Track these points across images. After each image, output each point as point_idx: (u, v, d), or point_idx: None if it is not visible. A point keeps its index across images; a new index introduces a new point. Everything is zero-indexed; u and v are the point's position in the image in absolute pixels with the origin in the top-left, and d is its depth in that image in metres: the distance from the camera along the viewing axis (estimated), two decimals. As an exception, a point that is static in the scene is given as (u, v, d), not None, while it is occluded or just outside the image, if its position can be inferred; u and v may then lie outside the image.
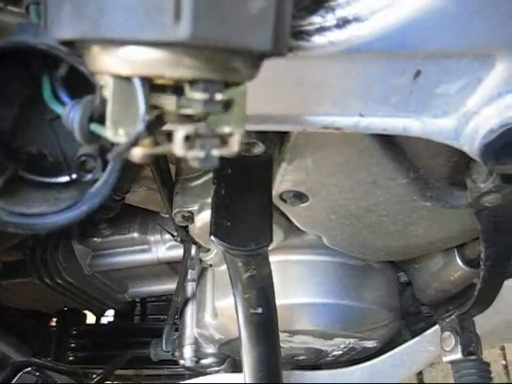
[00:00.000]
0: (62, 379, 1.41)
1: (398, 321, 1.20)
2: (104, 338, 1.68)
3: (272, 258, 0.85)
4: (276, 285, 0.88)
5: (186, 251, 1.15)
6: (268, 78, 0.50)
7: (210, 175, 0.97)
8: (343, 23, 0.51)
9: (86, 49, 0.40)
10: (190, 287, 1.28)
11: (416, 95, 0.59)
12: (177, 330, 1.31)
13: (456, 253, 1.05)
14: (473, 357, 1.03)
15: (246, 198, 0.78)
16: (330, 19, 0.52)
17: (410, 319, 1.27)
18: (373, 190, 0.84)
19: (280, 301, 0.93)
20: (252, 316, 0.87)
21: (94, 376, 1.58)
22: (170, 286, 1.48)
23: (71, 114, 0.44)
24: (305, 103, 0.60)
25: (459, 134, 0.63)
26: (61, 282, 1.36)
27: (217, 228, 0.76)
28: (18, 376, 1.33)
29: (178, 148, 0.38)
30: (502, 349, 2.56)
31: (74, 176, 0.54)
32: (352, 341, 1.18)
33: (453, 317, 1.02)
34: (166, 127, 0.41)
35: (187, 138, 0.38)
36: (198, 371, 1.32)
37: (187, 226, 1.03)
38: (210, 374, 1.29)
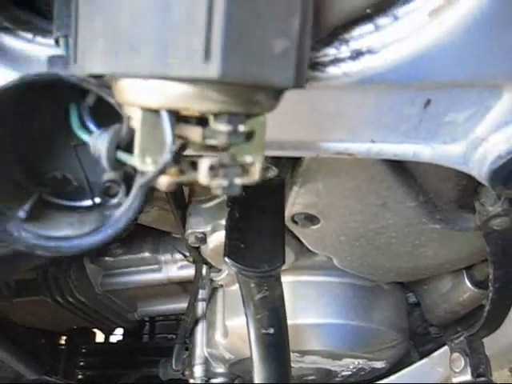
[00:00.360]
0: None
1: (407, 341, 1.21)
2: (113, 356, 1.69)
3: (283, 279, 0.86)
4: (286, 305, 0.89)
5: (198, 271, 1.17)
6: (284, 107, 0.52)
7: (223, 197, 0.99)
8: (357, 55, 0.54)
9: (115, 82, 0.42)
10: (201, 307, 1.29)
11: (426, 123, 0.61)
12: (187, 349, 1.32)
13: (465, 274, 1.06)
14: (482, 378, 1.03)
15: (259, 220, 0.80)
16: (344, 51, 0.54)
17: (418, 340, 1.27)
18: (383, 212, 0.86)
19: (290, 321, 0.94)
20: (263, 336, 0.88)
21: (103, 394, 1.59)
22: (179, 305, 1.49)
23: (98, 141, 0.46)
24: (319, 131, 0.62)
25: (468, 160, 0.65)
26: (72, 301, 1.37)
27: (230, 250, 0.78)
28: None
29: (202, 177, 0.40)
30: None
31: (96, 200, 0.56)
32: (361, 361, 1.19)
33: (462, 338, 1.03)
34: (190, 156, 0.43)
35: (211, 168, 0.40)
36: (207, 391, 1.33)
37: (199, 247, 1.05)
38: (219, 393, 1.30)
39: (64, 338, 1.76)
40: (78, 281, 1.35)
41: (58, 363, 1.65)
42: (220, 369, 1.29)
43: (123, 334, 1.81)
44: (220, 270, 1.15)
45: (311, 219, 0.89)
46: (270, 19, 0.34)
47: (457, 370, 1.05)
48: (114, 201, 0.52)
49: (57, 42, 0.52)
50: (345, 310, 1.10)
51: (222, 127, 0.40)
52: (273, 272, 0.78)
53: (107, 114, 0.50)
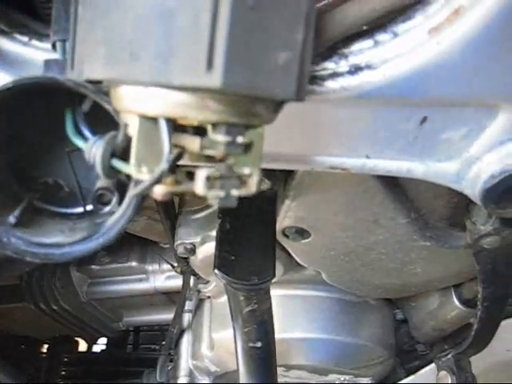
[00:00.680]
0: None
1: (393, 358, 1.20)
2: (96, 366, 1.67)
3: (270, 292, 0.85)
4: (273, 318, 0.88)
5: (185, 282, 1.16)
6: (280, 120, 0.52)
7: (213, 208, 0.99)
8: (355, 70, 0.54)
9: (113, 88, 0.42)
10: (187, 318, 1.28)
11: (421, 140, 0.62)
12: (171, 360, 1.31)
13: (453, 292, 1.06)
14: (469, 397, 1.03)
15: (250, 232, 0.80)
16: (343, 65, 0.54)
17: (404, 357, 1.27)
18: (374, 228, 0.86)
19: (276, 335, 0.93)
20: (251, 350, 0.87)
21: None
22: (164, 316, 1.47)
23: (93, 148, 0.45)
24: (314, 144, 0.62)
25: (461, 178, 0.65)
26: (56, 309, 1.35)
27: (221, 262, 0.77)
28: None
29: (199, 188, 0.39)
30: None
31: (88, 208, 0.55)
32: (347, 377, 1.18)
33: (449, 356, 1.03)
34: (185, 166, 0.43)
35: (208, 178, 0.39)
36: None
37: (188, 258, 1.04)
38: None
39: (46, 346, 1.74)
40: (62, 288, 1.33)
41: (39, 372, 1.62)
42: (204, 381, 1.28)
43: (107, 344, 1.78)
44: (208, 282, 1.14)
45: (302, 233, 0.89)
46: (274, 31, 0.34)
47: (443, 388, 1.05)
48: (107, 209, 0.51)
49: (54, 46, 0.51)
50: (332, 325, 1.10)
51: (221, 138, 0.39)
52: (262, 285, 0.77)
53: (102, 120, 0.49)
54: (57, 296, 1.34)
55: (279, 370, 1.12)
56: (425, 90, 0.54)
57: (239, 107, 0.39)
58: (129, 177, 0.53)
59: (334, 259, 0.95)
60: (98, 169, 0.45)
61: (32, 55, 0.58)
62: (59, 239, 0.50)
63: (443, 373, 1.04)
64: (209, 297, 1.19)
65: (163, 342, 1.32)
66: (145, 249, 1.34)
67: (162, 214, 0.99)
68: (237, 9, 0.32)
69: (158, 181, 0.39)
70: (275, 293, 1.05)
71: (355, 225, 0.85)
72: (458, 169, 0.64)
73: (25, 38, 0.58)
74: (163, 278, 1.33)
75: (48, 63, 0.50)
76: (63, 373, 1.65)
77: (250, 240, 0.79)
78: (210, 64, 0.33)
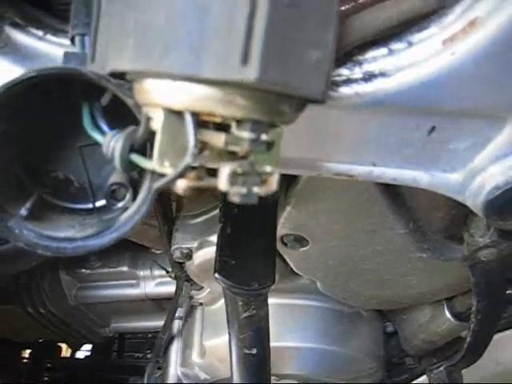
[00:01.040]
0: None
1: (383, 370, 1.21)
2: (79, 372, 1.64)
3: (264, 300, 0.85)
4: (266, 326, 0.88)
5: (179, 288, 1.15)
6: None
7: (211, 213, 0.99)
8: (369, 77, 0.54)
9: (138, 81, 0.42)
10: (176, 325, 1.27)
11: (428, 149, 0.62)
12: (159, 368, 1.29)
13: (445, 305, 1.07)
14: (461, 409, 1.04)
15: (251, 237, 0.80)
16: (357, 72, 0.55)
17: (393, 370, 1.27)
18: (372, 238, 0.86)
19: (268, 343, 0.93)
20: (246, 356, 0.87)
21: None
22: (153, 322, 1.46)
23: (112, 142, 0.45)
24: (323, 150, 0.62)
25: (465, 189, 0.66)
26: (43, 312, 1.34)
27: (221, 266, 0.77)
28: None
29: (222, 183, 0.40)
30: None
31: (97, 204, 0.55)
32: (337, 389, 1.18)
33: (441, 369, 1.03)
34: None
35: (232, 175, 0.40)
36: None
37: (183, 263, 1.03)
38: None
39: (28, 351, 1.71)
40: (51, 292, 1.32)
41: (20, 377, 1.59)
42: (193, 389, 1.27)
43: (91, 350, 1.76)
44: (201, 288, 1.13)
45: (300, 241, 0.89)
46: (308, 29, 0.35)
47: (435, 401, 1.06)
48: (120, 204, 0.51)
49: (72, 40, 0.51)
50: (323, 334, 1.10)
51: (246, 134, 0.39)
52: (262, 291, 0.77)
53: (119, 114, 0.49)
54: (45, 299, 1.32)
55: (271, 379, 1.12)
56: (437, 99, 0.56)
57: (265, 104, 0.39)
58: (141, 173, 0.53)
59: (330, 268, 0.95)
60: (117, 163, 0.45)
61: (47, 49, 0.58)
62: (70, 233, 0.50)
63: (435, 385, 1.04)
64: (201, 304, 1.19)
65: (148, 350, 1.30)
66: (136, 254, 1.33)
67: (159, 219, 0.99)
68: (274, 5, 0.32)
69: (181, 175, 0.39)
70: (268, 301, 1.05)
71: (354, 234, 0.86)
72: (461, 179, 0.65)
73: (39, 32, 0.59)
74: (154, 284, 1.32)
75: (67, 56, 0.50)
76: (46, 378, 1.62)
77: (251, 245, 0.79)
78: (245, 59, 0.33)
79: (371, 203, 0.79)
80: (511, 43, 0.50)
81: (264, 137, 0.40)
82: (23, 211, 0.49)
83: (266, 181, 0.42)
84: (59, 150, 0.54)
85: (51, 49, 0.58)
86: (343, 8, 0.50)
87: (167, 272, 1.20)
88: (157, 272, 1.30)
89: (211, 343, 1.12)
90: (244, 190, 0.40)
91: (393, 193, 0.78)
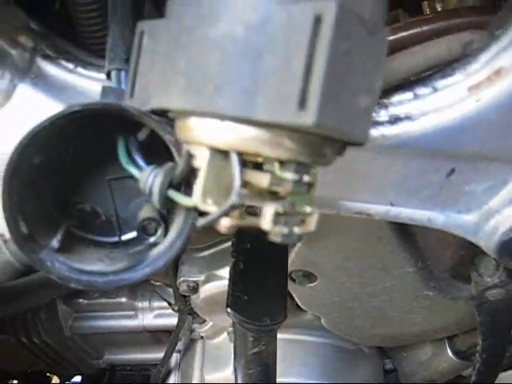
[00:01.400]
0: None
1: (381, 409, 1.20)
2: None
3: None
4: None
5: (181, 321, 1.14)
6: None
7: (218, 247, 0.99)
8: (395, 120, 0.56)
9: (182, 119, 0.43)
10: (174, 358, 1.25)
11: (446, 191, 0.64)
12: (155, 401, 1.27)
13: (447, 344, 1.08)
14: None
15: (264, 273, 0.80)
16: (383, 115, 0.56)
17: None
18: (381, 275, 0.87)
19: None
20: (252, 392, 0.86)
21: None
22: (148, 355, 1.43)
23: (150, 177, 0.46)
24: (346, 189, 0.63)
25: (479, 230, 0.67)
26: (37, 342, 1.31)
27: (233, 300, 0.77)
28: None
29: (266, 223, 0.40)
30: None
31: (123, 238, 0.55)
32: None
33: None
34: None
35: (275, 215, 0.40)
36: None
37: (188, 296, 1.03)
38: None
39: (15, 381, 1.66)
40: (47, 322, 1.29)
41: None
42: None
43: (81, 382, 1.72)
44: (204, 321, 1.12)
45: (309, 277, 0.90)
46: (360, 75, 0.36)
47: None
48: (151, 239, 0.51)
49: (108, 74, 0.52)
50: (326, 371, 1.10)
51: (290, 175, 0.40)
52: (274, 326, 0.78)
53: (154, 150, 0.50)
54: (40, 329, 1.29)
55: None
56: (459, 143, 0.57)
57: (311, 147, 0.40)
58: (171, 209, 0.53)
59: (336, 305, 0.95)
60: (155, 198, 0.45)
61: (75, 81, 0.59)
62: (99, 267, 0.50)
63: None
64: (202, 337, 1.18)
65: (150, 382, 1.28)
66: (135, 285, 1.31)
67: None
68: (333, 52, 0.33)
69: (227, 213, 0.40)
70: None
71: (364, 271, 0.87)
72: (476, 220, 0.66)
73: (70, 65, 0.59)
74: (152, 316, 1.30)
75: (105, 90, 0.51)
76: (34, 411, 1.58)
77: (264, 281, 0.79)
78: (302, 102, 0.34)
79: (383, 242, 0.80)
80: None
81: (306, 178, 0.41)
82: (54, 243, 0.49)
83: (305, 221, 0.43)
84: (88, 182, 0.55)
85: (79, 81, 0.59)
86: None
87: (170, 304, 1.18)
88: (156, 303, 1.28)
89: (212, 377, 1.11)
90: (286, 230, 0.41)
91: (405, 232, 0.79)
